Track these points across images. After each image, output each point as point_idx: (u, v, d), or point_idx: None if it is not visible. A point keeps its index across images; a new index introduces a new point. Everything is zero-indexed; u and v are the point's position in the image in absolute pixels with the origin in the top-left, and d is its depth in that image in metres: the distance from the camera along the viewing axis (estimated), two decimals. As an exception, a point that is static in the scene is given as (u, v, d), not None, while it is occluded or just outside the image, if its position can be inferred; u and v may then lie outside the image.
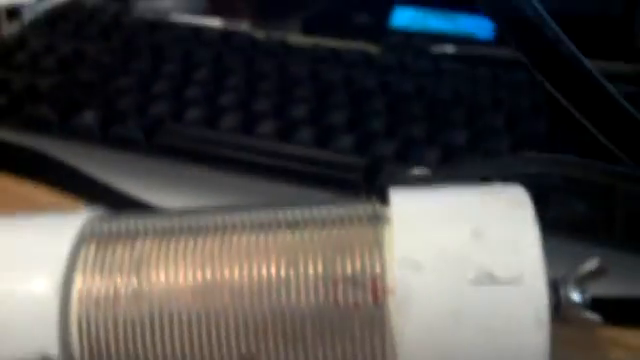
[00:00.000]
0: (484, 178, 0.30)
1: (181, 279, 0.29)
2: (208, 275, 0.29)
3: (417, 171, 0.32)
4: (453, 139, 0.45)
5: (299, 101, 0.48)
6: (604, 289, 0.30)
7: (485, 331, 0.27)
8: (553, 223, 0.31)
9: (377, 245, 0.28)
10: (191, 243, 0.30)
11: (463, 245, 0.27)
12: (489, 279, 0.27)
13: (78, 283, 0.29)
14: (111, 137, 0.46)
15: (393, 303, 0.27)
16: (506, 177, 0.30)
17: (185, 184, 0.44)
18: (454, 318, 0.27)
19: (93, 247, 0.30)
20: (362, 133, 0.45)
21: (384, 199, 0.30)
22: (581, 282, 0.29)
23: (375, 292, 0.28)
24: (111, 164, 0.46)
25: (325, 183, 0.43)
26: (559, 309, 0.29)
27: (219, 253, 0.29)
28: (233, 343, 0.28)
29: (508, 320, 0.27)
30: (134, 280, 0.29)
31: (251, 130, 0.46)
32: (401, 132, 0.45)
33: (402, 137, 0.45)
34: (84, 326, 0.29)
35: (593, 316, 0.29)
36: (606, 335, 0.35)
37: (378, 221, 0.29)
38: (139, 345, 0.29)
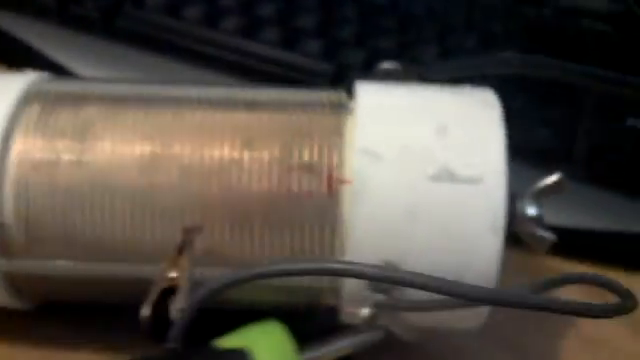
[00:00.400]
0: (455, 80, 0.29)
1: (127, 151, 0.27)
2: (157, 149, 0.27)
3: (386, 65, 0.30)
4: (423, 55, 0.43)
5: (267, 0, 0.46)
6: (558, 219, 0.30)
7: (440, 230, 0.26)
8: (514, 147, 0.30)
9: (337, 134, 0.27)
10: (141, 114, 0.28)
11: (425, 141, 0.26)
12: (449, 176, 0.26)
13: (18, 144, 0.27)
14: (67, 15, 0.44)
15: (348, 194, 0.26)
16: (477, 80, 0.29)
17: (141, 71, 0.42)
18: (409, 214, 0.26)
19: (36, 108, 0.28)
20: (331, 39, 0.44)
21: (350, 92, 0.29)
22: (539, 196, 0.28)
23: (330, 181, 0.27)
24: (66, 44, 0.44)
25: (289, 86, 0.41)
26: (514, 221, 0.28)
27: (170, 127, 0.28)
28: (177, 220, 0.27)
29: (464, 221, 0.26)
30: (77, 147, 0.27)
31: (215, 24, 0.44)
32: (370, 42, 0.44)
33: (371, 47, 0.43)
34: (21, 190, 0.27)
35: (546, 233, 0.28)
36: (549, 263, 0.34)
37: (341, 110, 0.28)
38: (77, 214, 0.27)
